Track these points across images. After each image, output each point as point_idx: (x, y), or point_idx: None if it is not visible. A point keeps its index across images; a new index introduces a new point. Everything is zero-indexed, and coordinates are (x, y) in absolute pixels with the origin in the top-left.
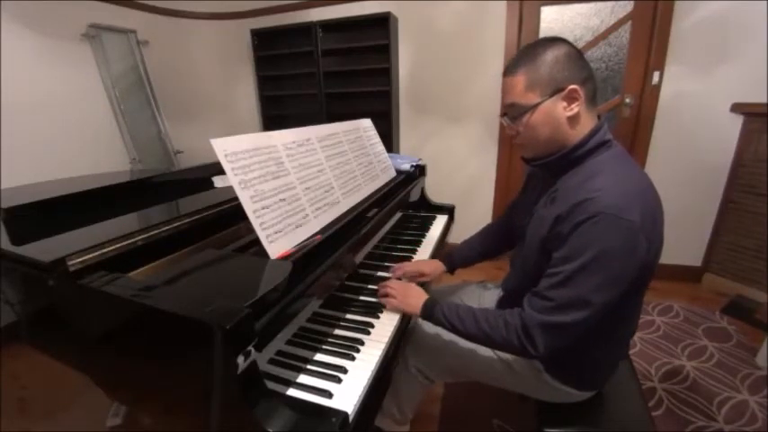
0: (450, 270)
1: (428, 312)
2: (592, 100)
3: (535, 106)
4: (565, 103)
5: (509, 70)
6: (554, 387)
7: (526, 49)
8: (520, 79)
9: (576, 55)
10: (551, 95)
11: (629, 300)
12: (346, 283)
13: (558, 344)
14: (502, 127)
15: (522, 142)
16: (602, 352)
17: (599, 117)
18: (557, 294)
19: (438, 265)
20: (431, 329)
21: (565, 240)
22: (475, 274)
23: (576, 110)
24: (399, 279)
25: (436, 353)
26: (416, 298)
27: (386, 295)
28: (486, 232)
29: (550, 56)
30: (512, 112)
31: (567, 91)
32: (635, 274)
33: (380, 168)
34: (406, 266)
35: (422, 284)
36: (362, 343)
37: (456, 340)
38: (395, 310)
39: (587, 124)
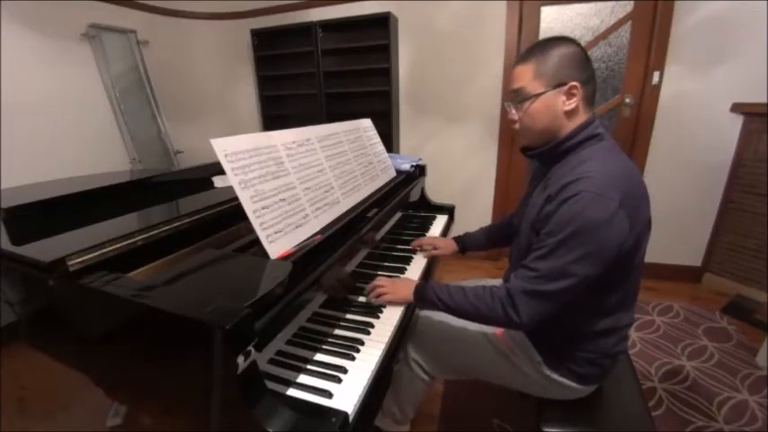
0: (462, 250)
1: (420, 293)
2: (590, 101)
3: (538, 95)
4: (564, 98)
5: (521, 59)
6: (553, 381)
7: (539, 43)
8: (530, 67)
9: (583, 56)
10: (554, 88)
11: (622, 287)
12: (347, 282)
13: (540, 312)
14: (502, 127)
15: (520, 129)
16: (600, 343)
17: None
18: (540, 265)
19: (450, 243)
20: (432, 325)
21: (550, 217)
22: (475, 274)
23: (573, 105)
24: (413, 253)
25: (437, 348)
26: (406, 286)
27: (378, 296)
28: (499, 223)
29: (560, 52)
30: (517, 97)
31: (568, 86)
32: (615, 252)
33: (380, 168)
34: (422, 240)
35: (428, 272)
36: (362, 343)
37: (456, 336)
38: (389, 302)
39: (582, 120)
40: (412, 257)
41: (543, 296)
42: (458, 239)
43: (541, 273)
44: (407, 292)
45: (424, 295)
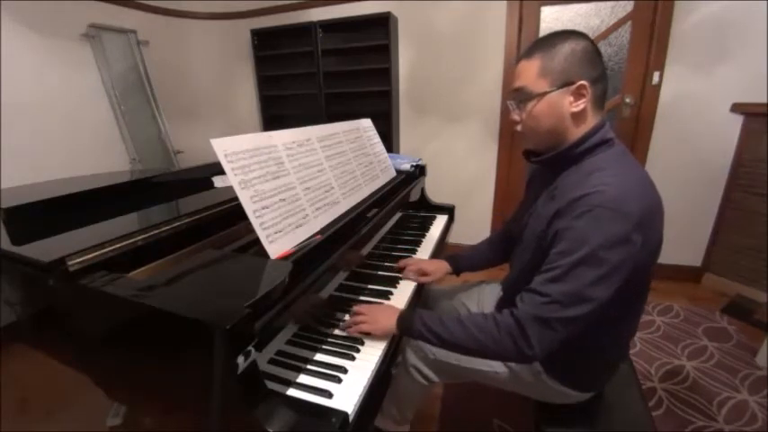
0: (456, 272)
1: (406, 326)
2: (600, 101)
3: (542, 95)
4: (571, 98)
5: (526, 54)
6: (554, 389)
7: (546, 37)
8: (534, 64)
9: (594, 53)
10: (560, 87)
11: (630, 302)
12: (347, 282)
13: (554, 341)
14: (502, 127)
15: (523, 131)
16: (602, 354)
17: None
18: (553, 289)
19: (442, 265)
20: None
21: (563, 235)
22: (476, 275)
23: (581, 106)
24: (400, 272)
25: (435, 354)
26: (388, 317)
27: (355, 325)
28: (493, 239)
29: (568, 48)
30: (519, 96)
31: (576, 86)
32: (631, 271)
33: (380, 168)
34: (409, 263)
35: (420, 285)
36: (362, 343)
37: None
38: (369, 336)
39: (591, 124)
40: (412, 257)
41: (558, 324)
42: (451, 260)
43: (555, 298)
44: (389, 324)
45: (411, 326)
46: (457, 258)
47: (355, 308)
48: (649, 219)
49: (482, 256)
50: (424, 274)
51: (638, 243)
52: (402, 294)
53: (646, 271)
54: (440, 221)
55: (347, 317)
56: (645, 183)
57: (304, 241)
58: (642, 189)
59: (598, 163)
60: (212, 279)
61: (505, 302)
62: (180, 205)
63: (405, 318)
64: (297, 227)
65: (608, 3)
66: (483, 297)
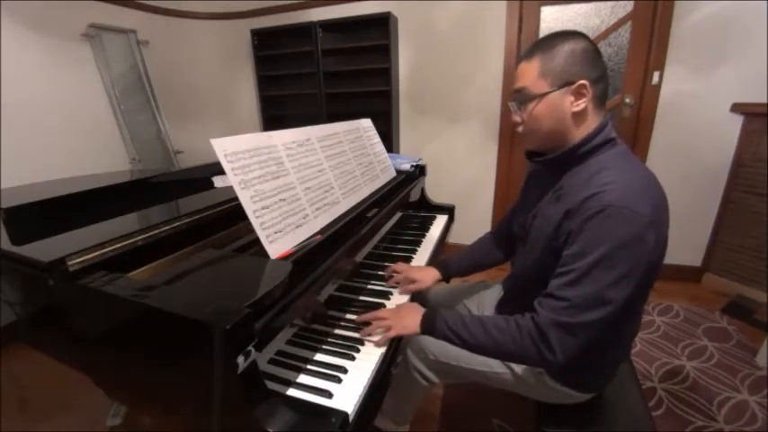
0: (446, 278)
1: (429, 325)
2: (601, 101)
3: (543, 95)
4: (572, 98)
5: (526, 55)
6: (555, 389)
7: (546, 38)
8: (534, 65)
9: (593, 53)
10: (560, 87)
11: (633, 302)
12: (346, 283)
13: (576, 346)
14: (502, 127)
15: (524, 132)
16: (604, 355)
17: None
18: (572, 293)
19: (432, 273)
20: None
21: (576, 236)
22: (476, 275)
23: (582, 106)
24: (413, 253)
25: (436, 355)
26: (412, 316)
27: (380, 330)
28: (484, 241)
29: (567, 48)
30: (520, 97)
31: (576, 85)
32: (646, 269)
33: (380, 168)
34: (398, 277)
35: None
36: (362, 343)
37: None
38: (396, 337)
39: (592, 123)
40: (412, 258)
41: (579, 329)
42: (441, 266)
43: (573, 302)
44: (413, 323)
45: (434, 327)
46: (447, 264)
47: (376, 313)
48: (659, 216)
49: (472, 260)
50: (413, 281)
51: (652, 241)
52: (402, 294)
53: (655, 269)
54: (440, 221)
55: (348, 317)
56: (651, 181)
57: (304, 241)
58: (649, 187)
59: (603, 162)
60: (212, 279)
61: (506, 302)
62: (180, 205)
63: (428, 318)
64: (297, 227)
65: (608, 3)
66: (483, 297)
